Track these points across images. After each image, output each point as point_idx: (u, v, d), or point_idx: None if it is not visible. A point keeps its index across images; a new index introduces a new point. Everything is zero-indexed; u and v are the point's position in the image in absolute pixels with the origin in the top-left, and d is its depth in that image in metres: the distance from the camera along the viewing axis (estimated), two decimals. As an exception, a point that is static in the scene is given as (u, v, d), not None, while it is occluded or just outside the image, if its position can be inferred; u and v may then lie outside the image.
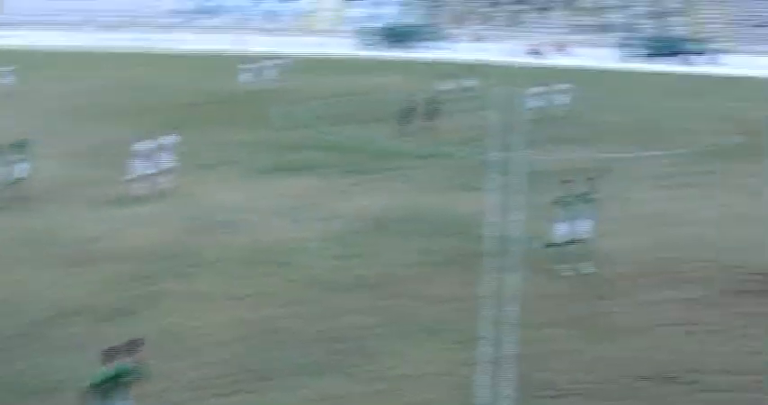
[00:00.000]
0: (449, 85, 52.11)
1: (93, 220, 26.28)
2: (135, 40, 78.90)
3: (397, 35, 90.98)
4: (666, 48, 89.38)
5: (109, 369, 12.99)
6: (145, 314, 19.26)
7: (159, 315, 19.24)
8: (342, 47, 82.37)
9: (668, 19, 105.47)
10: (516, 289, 21.02)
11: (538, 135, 40.69)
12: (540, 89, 47.43)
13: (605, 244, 23.16)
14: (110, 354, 13.11)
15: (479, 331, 18.60)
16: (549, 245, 22.32)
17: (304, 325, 18.86)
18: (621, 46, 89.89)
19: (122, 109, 44.80)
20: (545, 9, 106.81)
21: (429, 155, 36.05)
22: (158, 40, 79.15)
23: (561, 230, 22.03)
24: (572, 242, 22.10)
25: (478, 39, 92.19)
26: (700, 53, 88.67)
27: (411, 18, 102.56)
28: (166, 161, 28.97)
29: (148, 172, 28.51)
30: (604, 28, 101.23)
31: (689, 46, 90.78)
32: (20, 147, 28.34)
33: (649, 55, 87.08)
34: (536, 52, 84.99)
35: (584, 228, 22.14)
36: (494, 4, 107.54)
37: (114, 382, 12.95)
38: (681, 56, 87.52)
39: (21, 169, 28.15)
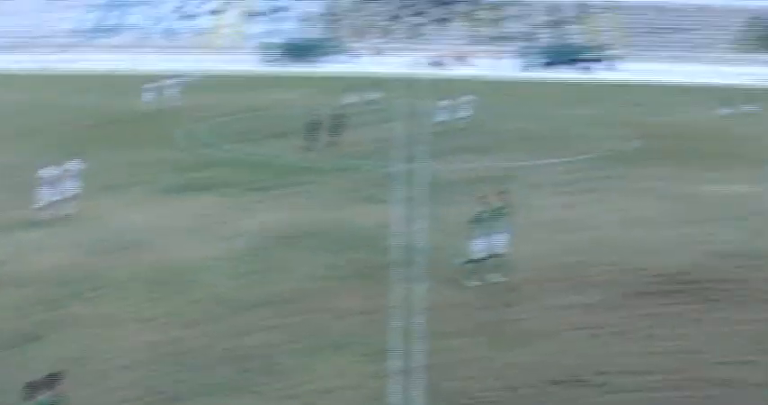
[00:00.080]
0: (353, 98, 52.32)
1: (-3, 245, 25.79)
2: (33, 61, 77.59)
3: (298, 50, 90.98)
4: (564, 56, 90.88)
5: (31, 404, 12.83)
6: (52, 339, 18.89)
7: (66, 340, 18.88)
8: (244, 63, 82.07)
9: (565, 28, 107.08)
10: (424, 300, 21.11)
11: (442, 146, 41.02)
12: (446, 102, 47.85)
13: (510, 251, 23.36)
14: (31, 388, 12.93)
15: (389, 343, 18.65)
16: (468, 261, 22.35)
17: (212, 344, 18.69)
18: (521, 55, 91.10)
19: (24, 131, 43.96)
20: (444, 20, 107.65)
21: (334, 169, 36.09)
22: (58, 61, 78.00)
23: (478, 246, 22.07)
24: (489, 257, 22.20)
25: (379, 52, 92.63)
26: (597, 61, 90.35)
27: (312, 33, 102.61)
28: (72, 186, 28.55)
29: (54, 198, 28.10)
30: (504, 38, 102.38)
31: (586, 54, 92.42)
32: None
33: (548, 64, 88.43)
34: (438, 63, 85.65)
35: (500, 242, 22.25)
36: (394, 18, 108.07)
37: None
38: (579, 64, 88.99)
39: None
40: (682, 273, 23.40)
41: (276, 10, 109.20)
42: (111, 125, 46.61)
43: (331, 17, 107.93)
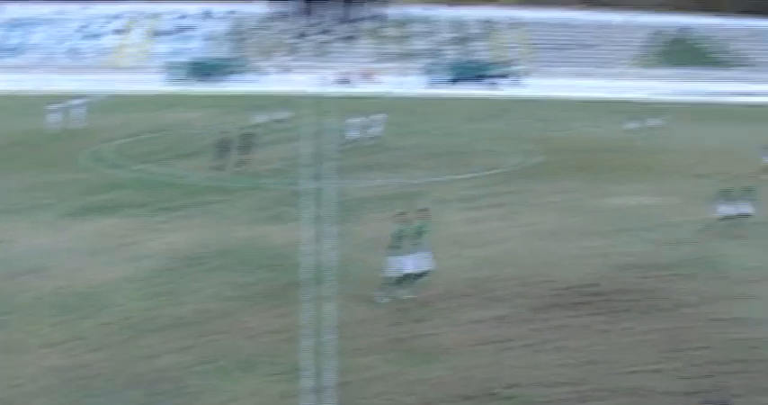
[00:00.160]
0: (262, 117, 52.25)
1: None
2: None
3: (204, 69, 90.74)
4: (470, 72, 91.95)
5: None
6: (-48, 367, 18.47)
7: (-33, 368, 18.47)
8: (149, 83, 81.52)
9: (471, 44, 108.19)
10: (335, 317, 21.07)
11: (352, 163, 41.11)
12: (357, 120, 48.05)
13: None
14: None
15: (300, 362, 18.56)
16: (388, 279, 22.31)
17: (120, 368, 18.39)
18: (427, 72, 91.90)
19: None
20: (351, 38, 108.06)
21: (242, 188, 35.90)
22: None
23: (399, 264, 22.08)
24: (411, 275, 22.20)
25: (286, 70, 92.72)
26: (503, 76, 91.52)
27: (218, 52, 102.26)
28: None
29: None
30: (410, 55, 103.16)
31: (492, 70, 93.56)
32: None
33: (454, 80, 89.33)
34: (345, 81, 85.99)
35: (422, 260, 22.26)
36: (300, 36, 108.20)
37: None
38: (485, 80, 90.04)
39: None
40: (588, 285, 23.74)
41: (181, 29, 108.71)
42: (15, 147, 45.84)
43: (237, 36, 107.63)
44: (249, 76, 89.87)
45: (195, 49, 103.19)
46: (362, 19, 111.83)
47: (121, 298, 22.56)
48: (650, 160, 44.04)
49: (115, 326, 20.73)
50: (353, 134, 47.39)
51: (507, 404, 16.95)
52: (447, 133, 52.24)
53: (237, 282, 23.80)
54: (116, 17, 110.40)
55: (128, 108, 61.46)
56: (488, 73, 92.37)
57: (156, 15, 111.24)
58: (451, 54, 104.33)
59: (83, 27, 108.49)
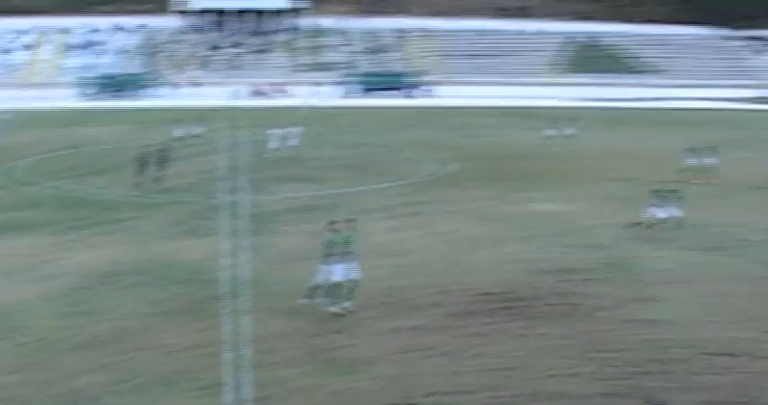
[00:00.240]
0: (180, 132, 51.93)
1: None
2: None
3: (116, 84, 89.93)
4: (383, 82, 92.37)
5: None
6: None
7: None
8: (62, 99, 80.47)
9: (384, 54, 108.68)
10: (252, 331, 21.00)
11: (268, 176, 41.03)
12: (273, 132, 48.05)
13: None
14: None
15: (219, 377, 18.47)
16: (314, 288, 22.28)
17: (38, 390, 18.10)
18: (341, 83, 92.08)
19: None
20: (264, 51, 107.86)
21: (158, 203, 35.61)
22: None
23: (328, 274, 22.07)
24: (337, 285, 22.20)
25: (199, 84, 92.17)
26: (415, 86, 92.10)
27: (129, 66, 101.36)
28: None
29: None
30: (324, 66, 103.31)
31: (404, 79, 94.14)
32: None
33: (367, 90, 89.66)
34: (259, 93, 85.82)
35: (350, 270, 22.27)
36: (213, 48, 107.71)
37: None
38: (399, 89, 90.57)
39: None
40: (505, 291, 23.97)
41: (92, 44, 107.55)
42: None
43: (149, 50, 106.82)
44: (162, 91, 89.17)
45: (107, 63, 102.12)
46: (275, 31, 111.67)
47: (36, 318, 22.21)
48: (566, 166, 44.62)
49: (31, 346, 20.41)
50: (272, 146, 47.37)
51: (427, 412, 17.08)
52: (362, 143, 52.42)
53: (154, 298, 23.59)
54: (25, 32, 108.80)
55: (40, 124, 60.64)
56: (402, 83, 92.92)
57: (65, 30, 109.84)
58: (365, 65, 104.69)
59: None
